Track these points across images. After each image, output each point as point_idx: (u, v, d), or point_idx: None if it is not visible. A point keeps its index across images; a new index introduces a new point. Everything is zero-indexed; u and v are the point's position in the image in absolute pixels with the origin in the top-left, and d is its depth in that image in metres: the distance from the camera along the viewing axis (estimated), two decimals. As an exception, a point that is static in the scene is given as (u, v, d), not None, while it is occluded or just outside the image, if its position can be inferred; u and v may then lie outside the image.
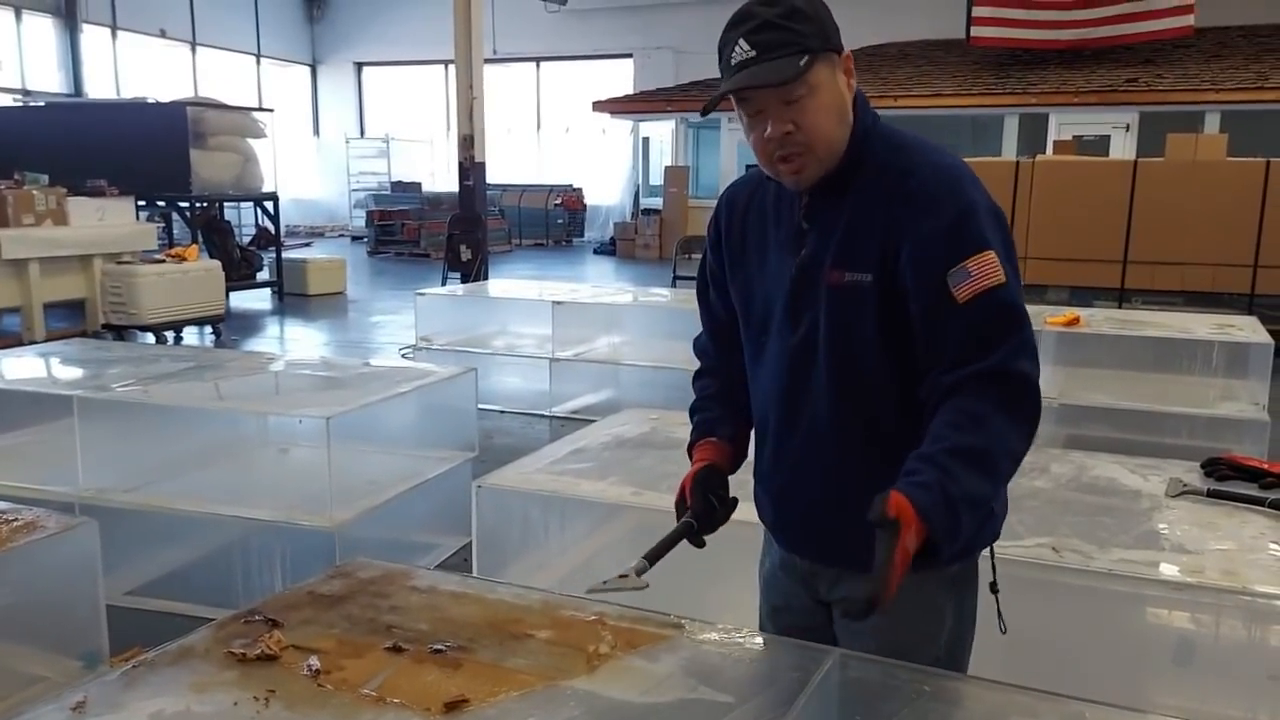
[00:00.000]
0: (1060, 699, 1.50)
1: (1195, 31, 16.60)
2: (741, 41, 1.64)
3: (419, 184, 23.31)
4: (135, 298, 9.48)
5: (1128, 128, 15.89)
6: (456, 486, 4.35)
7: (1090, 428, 5.44)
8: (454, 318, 8.18)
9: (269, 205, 13.89)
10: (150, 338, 9.59)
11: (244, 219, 17.41)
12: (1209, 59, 16.57)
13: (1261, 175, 9.73)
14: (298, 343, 11.09)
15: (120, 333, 9.56)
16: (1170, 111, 14.99)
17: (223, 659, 1.64)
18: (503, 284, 10.88)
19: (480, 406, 5.32)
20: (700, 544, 1.88)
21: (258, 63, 24.71)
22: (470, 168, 12.37)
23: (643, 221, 20.30)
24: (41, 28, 20.11)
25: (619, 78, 23.05)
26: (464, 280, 11.91)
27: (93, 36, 20.74)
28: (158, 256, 10.57)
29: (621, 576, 1.75)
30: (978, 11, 17.34)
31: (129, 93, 19.84)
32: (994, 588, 1.86)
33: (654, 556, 1.80)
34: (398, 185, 23.54)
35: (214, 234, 12.97)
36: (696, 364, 2.11)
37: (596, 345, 7.57)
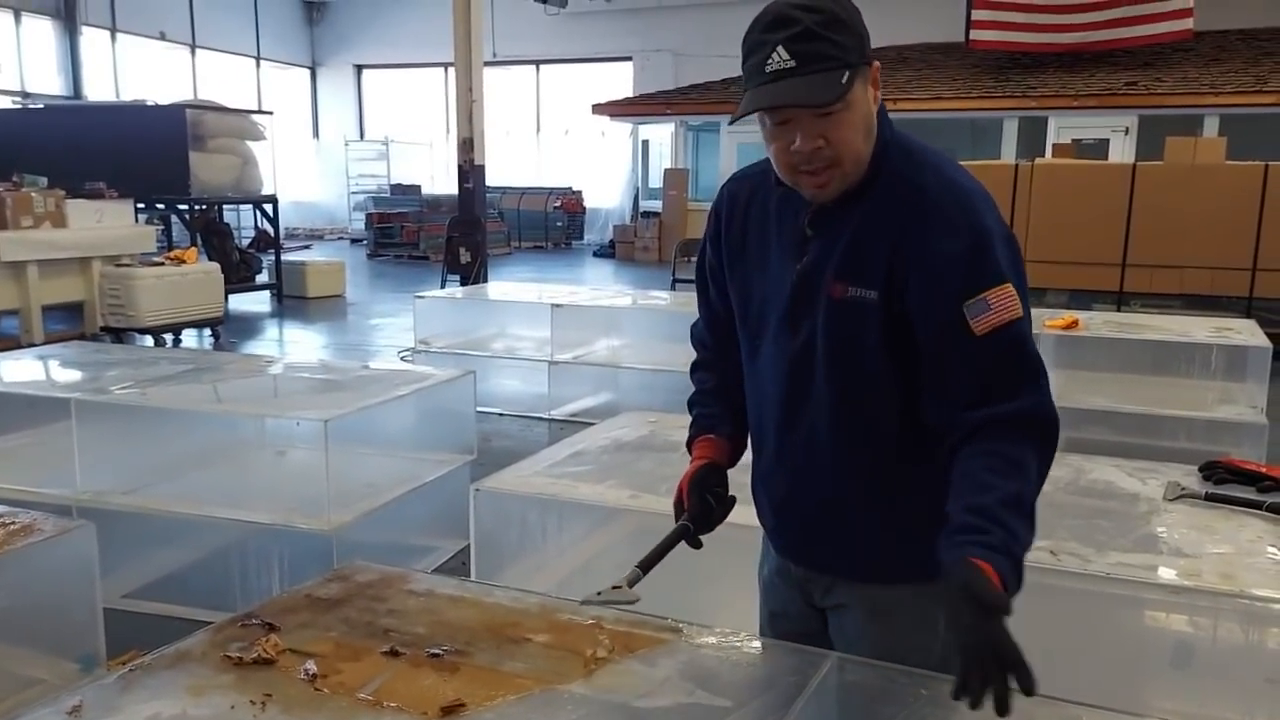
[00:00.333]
0: (1058, 703, 1.49)
1: (1194, 35, 16.63)
2: (780, 49, 1.55)
3: (418, 186, 23.29)
4: (134, 300, 9.47)
5: (1127, 131, 15.90)
6: (455, 489, 4.35)
7: (1088, 431, 5.44)
8: (453, 320, 8.18)
9: (268, 208, 13.90)
10: (149, 340, 9.58)
11: (243, 221, 17.41)
12: (1208, 62, 16.59)
13: (1260, 179, 9.74)
14: (296, 345, 11.09)
15: (119, 335, 9.54)
16: (1169, 115, 14.98)
17: (219, 663, 1.64)
18: (502, 286, 10.87)
19: (479, 409, 5.32)
20: (697, 545, 1.87)
21: (257, 65, 24.71)
22: (470, 170, 12.38)
23: (642, 224, 20.32)
24: (41, 30, 20.09)
25: (618, 80, 23.06)
26: (463, 283, 11.91)
27: (92, 39, 20.73)
28: (156, 259, 10.54)
29: (615, 587, 1.74)
30: (977, 15, 17.36)
31: (128, 95, 19.85)
32: None
33: (648, 565, 1.79)
34: (397, 188, 23.53)
35: (213, 236, 12.96)
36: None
37: (595, 348, 7.57)
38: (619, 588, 1.74)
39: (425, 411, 4.77)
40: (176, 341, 9.97)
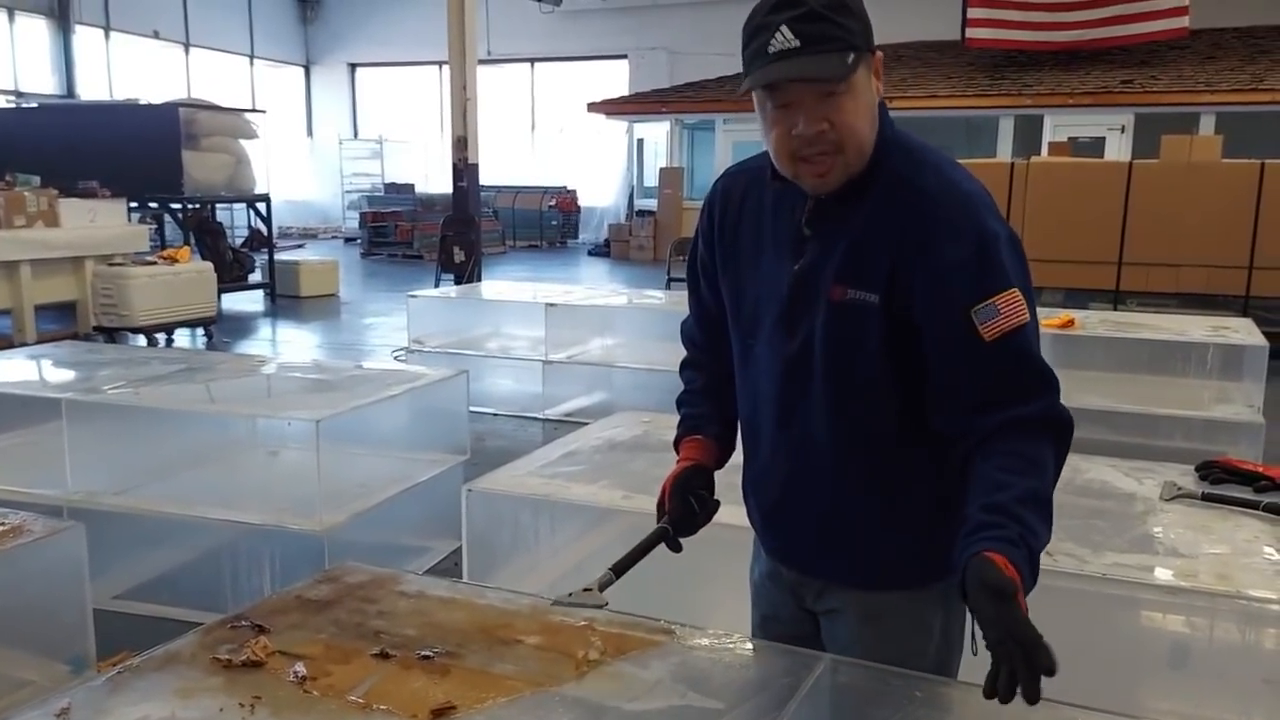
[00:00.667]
0: (1054, 705, 1.48)
1: (1190, 33, 16.65)
2: (784, 29, 1.53)
3: (412, 185, 23.29)
4: (127, 299, 9.45)
5: (1123, 129, 15.91)
6: (448, 490, 4.32)
7: (1084, 430, 5.36)
8: (447, 320, 8.17)
9: (261, 207, 13.88)
10: (141, 340, 9.56)
11: (236, 220, 17.40)
12: (1204, 60, 16.61)
13: (1256, 177, 9.76)
14: (290, 345, 11.06)
15: (111, 335, 9.53)
16: (1165, 113, 15.01)
17: (209, 665, 1.62)
18: (496, 286, 10.86)
19: (472, 409, 5.31)
20: (677, 548, 1.83)
21: (251, 64, 24.69)
22: (464, 169, 12.36)
23: (637, 223, 20.32)
24: (34, 29, 20.06)
25: (614, 79, 23.05)
26: (457, 282, 11.90)
27: (85, 37, 20.70)
28: (149, 258, 10.52)
29: (585, 590, 1.72)
30: (973, 13, 17.36)
31: (122, 94, 19.78)
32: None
33: (621, 568, 1.76)
34: (391, 187, 23.53)
35: (206, 235, 12.95)
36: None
37: (590, 347, 7.55)
38: (590, 590, 1.72)
39: (418, 411, 4.75)
40: (169, 341, 9.95)
